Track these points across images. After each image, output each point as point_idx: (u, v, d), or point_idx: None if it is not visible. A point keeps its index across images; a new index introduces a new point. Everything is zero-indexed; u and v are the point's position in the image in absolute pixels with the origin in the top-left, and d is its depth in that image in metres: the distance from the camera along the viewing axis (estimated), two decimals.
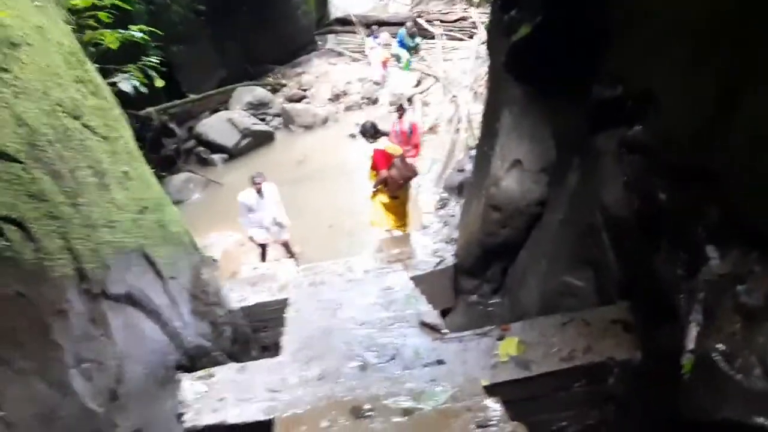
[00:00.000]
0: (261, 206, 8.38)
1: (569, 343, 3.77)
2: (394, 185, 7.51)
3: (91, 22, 5.73)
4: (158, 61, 6.23)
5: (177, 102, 13.91)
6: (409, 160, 7.95)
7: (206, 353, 4.61)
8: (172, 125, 13.07)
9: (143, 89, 6.14)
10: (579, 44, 4.44)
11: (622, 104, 3.82)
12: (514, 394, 3.47)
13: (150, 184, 4.75)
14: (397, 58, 15.70)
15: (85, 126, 3.84)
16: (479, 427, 2.76)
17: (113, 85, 5.90)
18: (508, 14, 5.45)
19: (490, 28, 6.82)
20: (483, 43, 16.00)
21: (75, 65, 4.22)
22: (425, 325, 4.14)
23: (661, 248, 3.16)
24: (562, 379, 3.64)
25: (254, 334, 6.05)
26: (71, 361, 2.57)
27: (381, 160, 7.48)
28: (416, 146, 9.83)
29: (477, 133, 11.60)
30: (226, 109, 14.62)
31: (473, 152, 8.98)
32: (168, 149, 12.67)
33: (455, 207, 8.04)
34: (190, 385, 3.81)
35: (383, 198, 7.81)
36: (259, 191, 8.32)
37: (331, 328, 4.31)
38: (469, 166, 8.60)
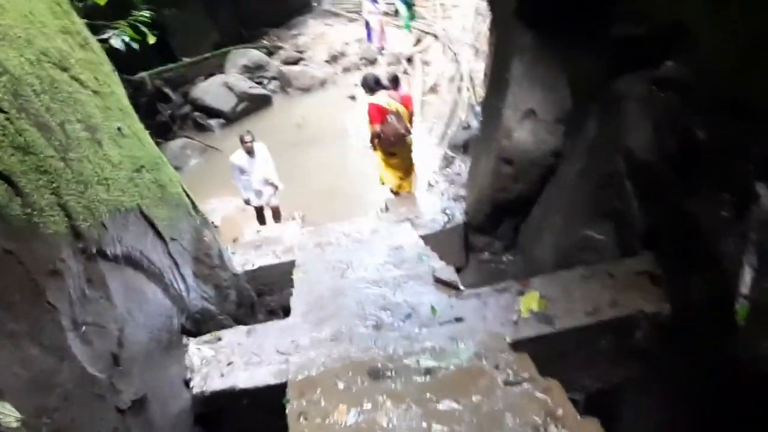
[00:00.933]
0: (252, 167, 8.13)
1: (593, 297, 3.59)
2: (386, 141, 7.19)
3: None
4: (150, 16, 5.91)
5: (171, 66, 13.51)
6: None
7: (212, 317, 4.43)
8: (167, 90, 12.71)
9: (135, 45, 5.86)
10: None
11: (647, 42, 3.58)
12: (536, 351, 3.29)
13: (145, 143, 4.51)
14: (396, 12, 15.15)
15: (74, 78, 3.59)
16: (508, 384, 2.58)
17: (103, 42, 5.62)
18: None
19: None
20: None
21: (61, 15, 3.95)
22: (440, 282, 3.95)
23: (698, 191, 2.94)
24: (587, 334, 3.47)
25: (260, 298, 5.88)
26: (68, 324, 2.37)
27: (375, 115, 7.11)
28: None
29: (480, 90, 11.32)
30: (222, 73, 14.23)
31: (478, 109, 8.73)
32: (163, 115, 12.34)
33: (461, 165, 7.80)
34: (196, 350, 3.64)
35: (380, 154, 7.53)
36: (249, 151, 8.04)
37: (341, 288, 4.12)
38: (474, 123, 8.35)
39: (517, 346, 3.23)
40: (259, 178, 8.28)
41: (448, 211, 6.15)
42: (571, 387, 3.58)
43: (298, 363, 3.21)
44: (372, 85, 7.29)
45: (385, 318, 3.63)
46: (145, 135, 4.67)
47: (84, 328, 2.49)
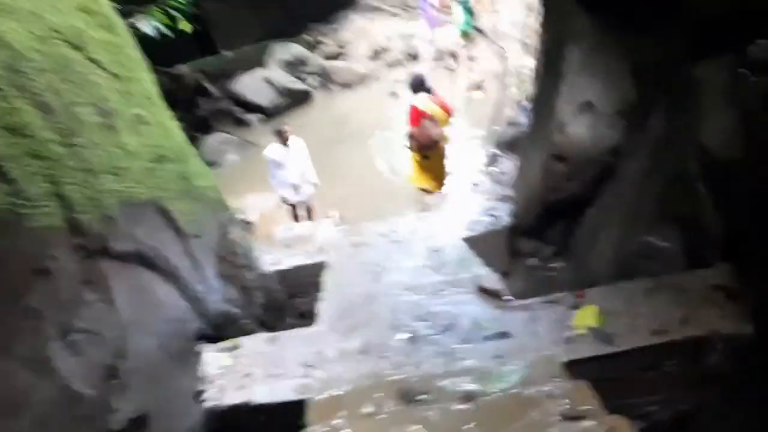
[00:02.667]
0: (288, 160, 7.76)
1: (660, 314, 3.14)
2: (419, 144, 7.14)
3: None
4: (184, 3, 5.64)
5: (210, 59, 13.32)
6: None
7: (234, 321, 4.11)
8: (207, 84, 12.51)
9: (167, 31, 5.59)
10: None
11: (732, 21, 3.10)
12: (593, 373, 2.87)
13: (171, 133, 4.22)
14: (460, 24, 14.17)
15: (90, 59, 3.31)
16: (567, 419, 2.16)
17: (133, 27, 5.38)
18: None
19: None
20: None
21: None
22: (484, 291, 3.54)
23: None
24: (653, 355, 3.02)
25: (290, 299, 5.55)
26: (54, 332, 2.07)
27: (413, 116, 7.10)
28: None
29: (528, 87, 10.81)
30: (263, 67, 14.00)
31: (527, 105, 8.24)
32: (202, 109, 12.14)
33: (507, 164, 7.33)
34: (213, 358, 3.32)
35: (416, 156, 7.42)
36: (285, 142, 7.67)
37: (374, 293, 3.75)
38: (522, 120, 7.86)
39: (571, 367, 2.82)
40: (296, 172, 7.94)
41: (493, 212, 5.71)
42: (635, 415, 3.15)
43: (322, 378, 2.86)
44: (415, 86, 7.25)
45: (421, 329, 3.24)
46: (173, 125, 4.38)
47: (74, 335, 2.18)
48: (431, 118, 7.03)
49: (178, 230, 3.65)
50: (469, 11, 13.89)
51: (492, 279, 3.70)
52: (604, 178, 4.56)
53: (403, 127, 8.56)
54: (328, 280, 4.35)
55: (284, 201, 8.25)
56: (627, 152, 4.34)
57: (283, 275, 5.44)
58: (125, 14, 5.32)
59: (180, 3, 5.67)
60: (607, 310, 3.20)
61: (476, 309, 3.38)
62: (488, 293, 3.50)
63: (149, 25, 5.39)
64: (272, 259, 5.57)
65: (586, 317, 3.17)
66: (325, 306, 3.75)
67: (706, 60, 3.39)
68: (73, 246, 2.37)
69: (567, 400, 2.31)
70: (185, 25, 5.75)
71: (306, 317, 5.60)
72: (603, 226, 4.49)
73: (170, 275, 3.32)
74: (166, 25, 5.62)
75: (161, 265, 3.23)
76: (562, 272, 5.18)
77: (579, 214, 4.84)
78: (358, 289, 3.93)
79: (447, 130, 7.37)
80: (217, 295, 4.01)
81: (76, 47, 3.22)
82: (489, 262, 4.79)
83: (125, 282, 2.73)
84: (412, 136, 7.20)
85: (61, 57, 2.96)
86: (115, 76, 3.58)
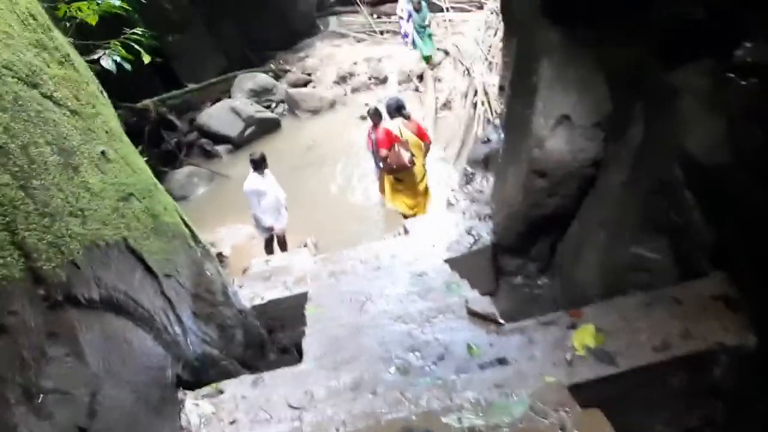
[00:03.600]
0: (268, 186, 7.61)
1: (660, 329, 3.02)
2: (389, 168, 7.30)
3: None
4: (143, 35, 5.48)
5: (176, 92, 13.10)
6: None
7: (214, 363, 3.90)
8: (172, 117, 12.28)
9: (127, 66, 5.41)
10: None
11: (710, 23, 3.05)
12: (597, 395, 2.74)
13: (136, 169, 4.03)
14: (413, 43, 14.18)
15: (46, 96, 3.12)
16: None
17: (94, 62, 5.19)
18: None
19: None
20: (494, 13, 15.19)
21: (35, 28, 3.49)
22: (476, 315, 3.40)
23: None
24: (657, 372, 2.90)
25: (270, 335, 5.34)
26: (17, 396, 1.86)
27: (384, 140, 7.20)
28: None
29: (495, 104, 10.82)
30: (228, 97, 13.85)
31: (497, 122, 8.22)
32: (169, 143, 11.91)
33: (482, 182, 7.26)
34: (194, 406, 3.11)
35: (390, 177, 7.56)
36: (261, 168, 7.51)
37: (360, 325, 3.58)
38: (494, 137, 7.81)
39: (575, 391, 2.68)
40: (275, 199, 7.76)
41: (473, 232, 5.60)
42: None
43: (312, 422, 2.67)
44: (392, 110, 7.35)
45: (414, 360, 3.08)
46: (138, 160, 4.20)
47: (41, 397, 1.98)
48: (404, 143, 7.09)
49: (149, 271, 3.44)
50: (429, 35, 13.91)
51: (483, 302, 3.55)
52: (585, 191, 4.49)
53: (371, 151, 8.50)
54: (310, 313, 4.16)
55: (264, 231, 8.02)
56: (607, 163, 4.27)
57: (262, 310, 5.24)
58: (84, 50, 5.14)
59: (138, 36, 5.49)
60: (605, 328, 3.08)
61: (469, 335, 3.23)
62: (480, 317, 3.36)
63: (109, 60, 5.19)
64: (249, 294, 5.37)
65: (585, 337, 3.04)
66: (309, 341, 3.56)
67: (683, 65, 3.33)
68: (34, 298, 2.17)
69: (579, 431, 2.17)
70: (147, 58, 5.57)
71: (288, 352, 5.40)
72: (588, 239, 4.41)
73: (143, 320, 3.12)
74: (127, 60, 5.43)
75: (133, 310, 3.02)
76: (549, 288, 5.08)
77: (562, 229, 4.76)
78: (342, 321, 3.76)
79: (424, 158, 7.48)
80: (195, 337, 3.80)
81: (32, 84, 3.04)
82: (473, 282, 4.67)
83: (94, 331, 2.53)
84: (384, 159, 7.24)
85: (13, 94, 2.77)
86: (75, 113, 3.40)
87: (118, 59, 5.33)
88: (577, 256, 4.50)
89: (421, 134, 7.45)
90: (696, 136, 3.18)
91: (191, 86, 13.58)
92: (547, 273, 5.05)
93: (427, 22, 13.62)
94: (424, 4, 13.72)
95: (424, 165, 7.62)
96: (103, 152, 3.49)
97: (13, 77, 2.87)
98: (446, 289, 4.08)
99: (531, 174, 4.64)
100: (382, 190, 8.53)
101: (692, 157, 3.26)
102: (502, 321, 3.32)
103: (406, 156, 7.06)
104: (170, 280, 3.72)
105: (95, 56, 5.27)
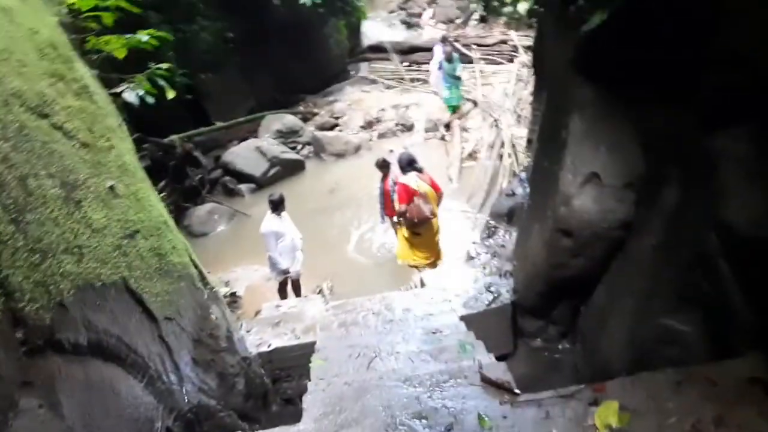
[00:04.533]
0: (286, 228, 7.48)
1: (691, 412, 2.75)
2: (411, 222, 7.19)
3: (92, 24, 4.99)
4: (168, 69, 5.45)
5: (203, 129, 13.19)
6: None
7: (210, 415, 3.69)
8: (197, 154, 12.32)
9: (150, 99, 5.37)
10: (673, 24, 3.53)
11: (753, 87, 2.87)
12: None
13: (148, 205, 3.92)
14: (447, 99, 13.88)
15: (56, 127, 3.04)
16: None
17: (117, 95, 5.15)
18: (574, 3, 4.58)
19: (545, 27, 5.96)
20: (524, 66, 15.22)
21: (53, 59, 3.45)
22: (489, 382, 3.15)
23: None
24: None
25: (275, 384, 5.12)
26: None
27: (403, 195, 7.17)
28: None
29: (522, 157, 10.68)
30: (255, 137, 13.92)
31: (523, 175, 8.04)
32: (192, 179, 11.92)
33: (505, 236, 7.06)
34: None
35: (405, 232, 7.46)
36: (279, 209, 7.43)
37: (366, 384, 3.34)
38: (519, 191, 7.64)
39: None
40: (292, 241, 7.62)
41: (493, 288, 5.38)
42: None
43: None
44: (404, 164, 7.32)
45: (420, 429, 2.84)
46: (151, 196, 4.10)
47: None
48: (423, 196, 7.05)
49: (147, 314, 3.28)
50: (458, 87, 13.75)
51: (498, 368, 3.31)
52: (613, 254, 4.25)
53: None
54: (315, 366, 3.95)
55: (279, 274, 7.85)
56: (638, 227, 4.05)
57: (268, 357, 5.04)
58: (109, 83, 5.11)
59: (166, 72, 5.46)
60: (631, 406, 2.81)
61: (481, 404, 2.98)
62: (494, 385, 3.11)
63: (133, 93, 5.16)
64: (257, 339, 5.18)
65: (608, 415, 2.78)
66: (310, 399, 3.33)
67: (723, 129, 3.14)
68: (10, 342, 2.01)
69: None
70: (171, 93, 5.53)
71: (293, 403, 5.17)
72: (614, 306, 4.15)
73: (135, 366, 2.94)
74: (151, 94, 5.40)
75: (124, 356, 2.84)
76: (570, 354, 4.81)
77: (587, 293, 4.51)
78: (348, 378, 3.53)
79: (437, 208, 7.39)
80: (192, 385, 3.60)
81: (41, 114, 2.96)
82: (487, 343, 4.44)
83: (76, 380, 2.35)
84: (403, 214, 7.19)
85: (18, 124, 2.67)
86: (86, 145, 3.31)
87: (142, 93, 5.29)
88: (602, 323, 4.24)
89: (434, 186, 7.43)
90: (737, 206, 2.97)
91: (219, 124, 13.68)
92: (569, 338, 4.79)
93: (458, 73, 13.56)
94: (455, 55, 13.70)
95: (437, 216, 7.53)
96: (111, 187, 3.38)
97: (21, 106, 2.78)
98: (460, 350, 3.84)
99: (556, 232, 4.43)
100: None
101: (732, 228, 3.03)
102: (517, 391, 3.07)
103: (427, 209, 7.00)
104: (171, 324, 3.56)
105: (118, 89, 5.24)
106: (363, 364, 3.80)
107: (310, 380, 3.74)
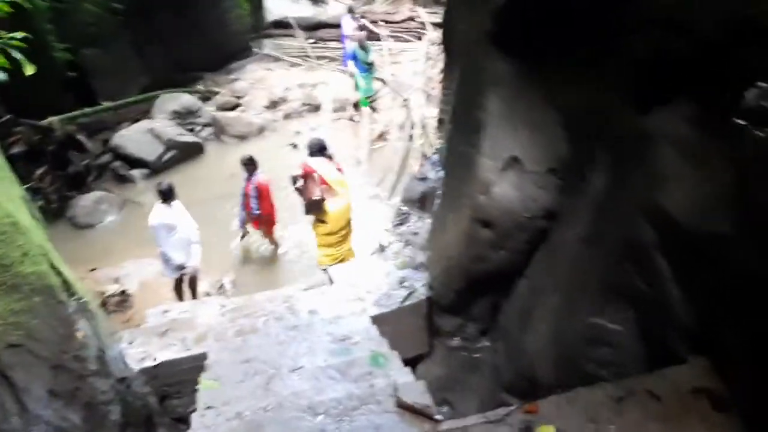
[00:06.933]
0: (178, 219, 6.77)
1: None
2: (307, 205, 7.00)
3: None
4: (22, 39, 4.60)
5: (88, 110, 11.96)
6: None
7: None
8: (81, 137, 11.14)
9: (2, 76, 4.51)
10: None
11: (698, 61, 2.52)
12: None
13: None
14: (355, 85, 13.12)
15: None
16: None
17: None
18: None
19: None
20: (433, 44, 14.85)
21: None
22: (406, 408, 2.69)
23: None
24: None
25: (163, 402, 4.48)
26: None
27: (302, 173, 6.94)
28: (268, 218, 8.56)
29: (433, 138, 10.33)
30: (149, 118, 12.83)
31: (435, 158, 7.65)
32: (76, 165, 10.79)
33: (417, 223, 6.64)
34: None
35: (315, 227, 7.15)
36: (170, 199, 6.74)
37: (261, 417, 2.80)
38: (431, 174, 7.23)
39: None
40: (187, 234, 6.89)
41: (407, 283, 4.94)
42: None
43: None
44: (315, 151, 7.04)
45: None
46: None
47: None
48: (319, 180, 6.80)
49: None
50: (371, 72, 13.03)
51: (415, 389, 2.86)
52: (535, 245, 3.90)
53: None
54: (204, 389, 3.36)
55: (174, 271, 7.11)
56: (563, 217, 3.70)
57: (154, 373, 4.39)
58: None
59: (20, 43, 4.61)
60: (569, 430, 2.44)
61: None
62: (412, 411, 2.66)
63: None
64: (140, 353, 4.51)
65: None
66: None
67: (659, 108, 2.80)
68: None
69: None
70: (30, 69, 4.68)
71: (183, 421, 4.55)
72: (538, 302, 3.81)
73: None
74: (4, 69, 4.54)
75: None
76: (490, 353, 4.45)
77: (508, 287, 4.14)
78: (240, 406, 2.98)
79: (345, 196, 7.14)
80: (46, 426, 2.94)
81: None
82: (401, 344, 4.01)
83: None
84: (300, 192, 6.96)
85: None
86: None
87: None
88: (525, 320, 3.89)
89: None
90: (677, 195, 2.63)
91: (105, 104, 12.49)
92: (489, 335, 4.42)
93: (371, 59, 12.89)
94: (367, 43, 13.01)
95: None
96: None
97: None
98: (372, 363, 3.37)
99: (474, 223, 4.03)
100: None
101: (670, 219, 2.69)
102: (439, 417, 2.63)
103: (317, 191, 6.76)
104: (16, 352, 2.88)
105: None
106: (260, 386, 3.25)
107: (196, 409, 3.16)
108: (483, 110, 4.17)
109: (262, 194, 8.12)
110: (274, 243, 8.83)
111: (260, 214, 8.23)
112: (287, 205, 8.90)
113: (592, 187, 3.44)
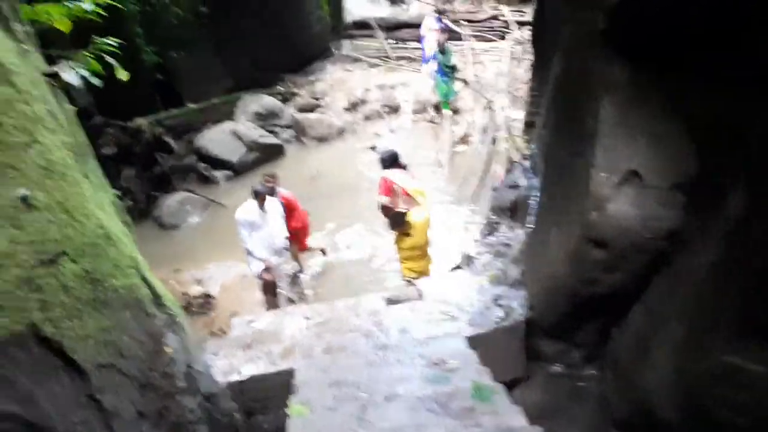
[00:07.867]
0: (266, 221, 6.67)
1: None
2: (392, 220, 6.69)
3: None
4: (117, 45, 4.56)
5: (174, 112, 12.23)
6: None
7: None
8: (168, 138, 11.39)
9: (95, 81, 4.49)
10: None
11: None
12: None
13: (79, 217, 3.06)
14: (441, 92, 12.44)
15: None
16: None
17: (52, 76, 4.28)
18: None
19: None
20: (518, 43, 14.38)
21: None
22: None
23: None
24: None
25: (249, 419, 4.36)
26: None
27: (384, 188, 6.64)
28: (302, 231, 8.10)
29: (520, 142, 9.90)
30: (231, 120, 12.98)
31: (526, 164, 7.26)
32: (162, 166, 11.01)
33: (508, 233, 6.28)
34: None
35: (398, 240, 6.81)
36: (272, 192, 6.78)
37: None
38: (522, 181, 6.86)
39: None
40: (271, 235, 6.79)
41: (503, 302, 4.62)
42: None
43: None
44: (389, 163, 6.79)
45: None
46: (88, 203, 3.25)
47: None
48: (409, 195, 6.52)
49: (72, 366, 2.50)
50: (452, 76, 12.43)
51: None
52: (656, 269, 3.51)
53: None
54: (293, 415, 3.17)
55: (265, 273, 6.94)
56: (690, 239, 3.30)
57: (240, 388, 4.26)
58: (50, 60, 4.24)
59: (114, 48, 4.58)
60: None
61: None
62: None
63: (73, 73, 4.27)
64: (226, 366, 4.40)
65: None
66: None
67: None
68: None
69: None
70: (122, 74, 4.64)
71: None
72: (658, 333, 3.42)
73: None
74: (97, 74, 4.52)
75: None
76: (597, 382, 4.08)
77: (621, 313, 3.77)
78: None
79: (426, 205, 6.80)
80: None
81: None
82: (494, 366, 3.71)
83: None
84: (386, 210, 6.63)
85: None
86: None
87: (85, 73, 4.41)
88: (642, 351, 3.51)
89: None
90: None
91: (191, 106, 12.72)
92: (596, 363, 4.06)
93: (452, 63, 12.36)
94: (447, 45, 12.49)
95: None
96: (24, 198, 2.56)
97: None
98: (475, 395, 3.09)
99: (585, 242, 3.67)
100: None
101: None
102: None
103: (396, 204, 6.50)
104: (107, 373, 2.77)
105: (55, 68, 4.35)
106: (353, 416, 3.04)
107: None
108: (594, 117, 3.80)
109: (289, 208, 7.63)
110: (299, 264, 8.28)
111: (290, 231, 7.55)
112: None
113: (725, 207, 3.04)
